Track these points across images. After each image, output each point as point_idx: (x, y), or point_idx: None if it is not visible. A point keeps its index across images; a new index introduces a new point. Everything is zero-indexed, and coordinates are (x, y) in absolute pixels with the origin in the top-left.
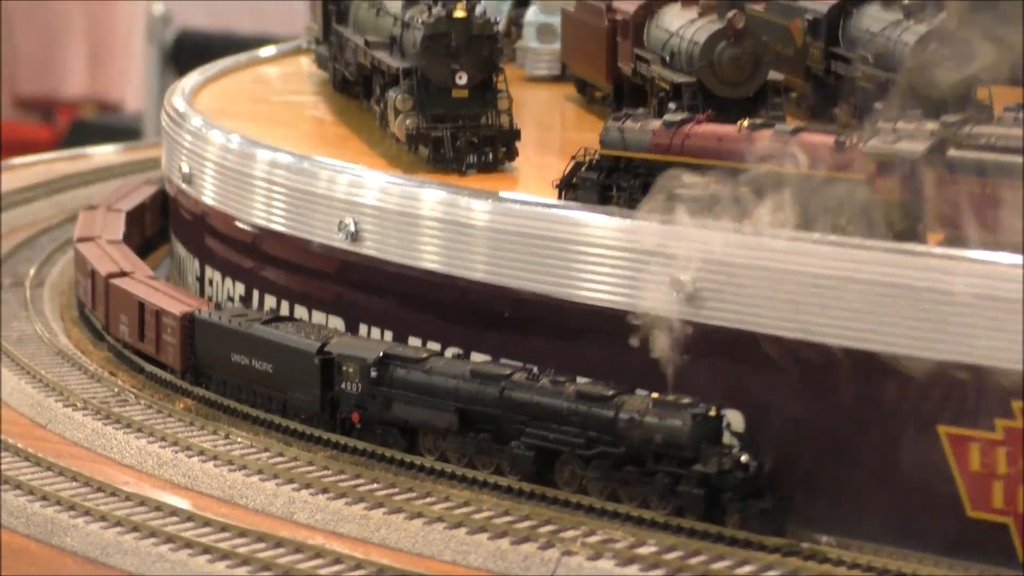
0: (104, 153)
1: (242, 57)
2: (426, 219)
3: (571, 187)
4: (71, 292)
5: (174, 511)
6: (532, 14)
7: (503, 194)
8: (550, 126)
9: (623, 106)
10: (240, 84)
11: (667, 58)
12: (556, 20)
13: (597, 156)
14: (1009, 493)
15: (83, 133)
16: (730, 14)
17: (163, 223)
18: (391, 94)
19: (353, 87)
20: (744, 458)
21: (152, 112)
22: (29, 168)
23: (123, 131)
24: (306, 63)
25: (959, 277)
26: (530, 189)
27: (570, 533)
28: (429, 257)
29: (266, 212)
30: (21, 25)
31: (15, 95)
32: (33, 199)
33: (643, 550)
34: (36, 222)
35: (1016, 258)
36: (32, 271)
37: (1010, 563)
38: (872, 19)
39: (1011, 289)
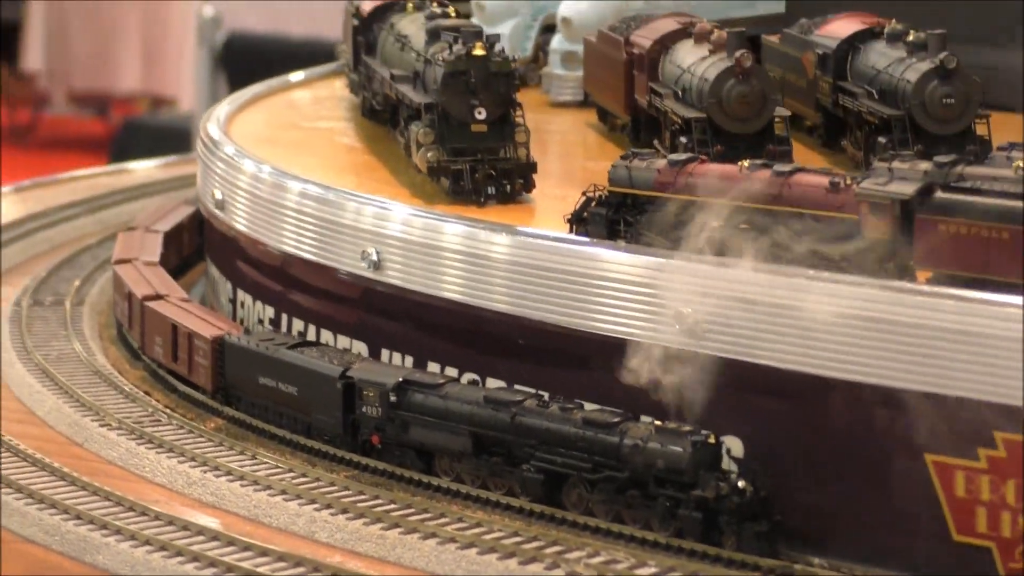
0: (146, 168)
1: (272, 82)
2: (446, 251)
3: (582, 221)
4: (109, 311)
5: (201, 530)
6: (557, 42)
7: (519, 228)
8: (571, 155)
9: (640, 136)
10: (273, 110)
11: (679, 93)
12: (580, 48)
13: (606, 192)
14: (992, 518)
15: (135, 132)
16: (738, 53)
17: (200, 242)
18: (413, 127)
19: (381, 114)
20: (741, 483)
21: (202, 114)
22: (73, 184)
23: (174, 131)
24: (339, 86)
25: (946, 314)
26: (546, 221)
27: (575, 554)
28: (448, 287)
29: (295, 239)
30: (76, 22)
31: (70, 90)
32: (76, 216)
33: (643, 571)
34: (78, 239)
35: (1001, 296)
36: (72, 290)
37: None
38: (878, 55)
39: (995, 326)
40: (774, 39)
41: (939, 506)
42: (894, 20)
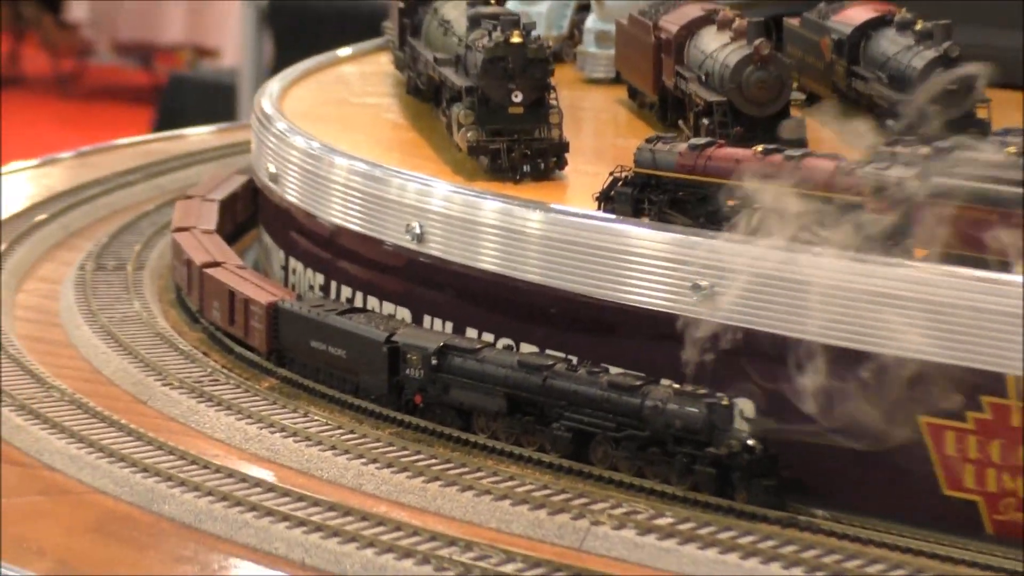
0: (200, 135)
1: (322, 58)
2: (484, 225)
3: (609, 200)
4: (168, 276)
5: (258, 482)
6: (591, 21)
7: (551, 205)
8: (602, 133)
9: (667, 115)
10: (323, 85)
11: (703, 77)
12: (613, 27)
13: (632, 173)
14: (979, 475)
15: (182, 87)
16: (757, 41)
17: (253, 210)
18: (455, 108)
19: (425, 93)
20: (751, 442)
21: (248, 72)
22: (129, 149)
23: (220, 86)
24: (384, 61)
25: (939, 289)
26: (577, 198)
27: (599, 506)
28: (486, 259)
29: (343, 212)
30: None
31: (114, 41)
32: (134, 183)
33: (661, 521)
34: (136, 204)
35: (990, 273)
36: (133, 254)
37: (979, 534)
38: (889, 42)
39: (984, 300)
40: (795, 22)
41: (931, 463)
42: (904, 9)
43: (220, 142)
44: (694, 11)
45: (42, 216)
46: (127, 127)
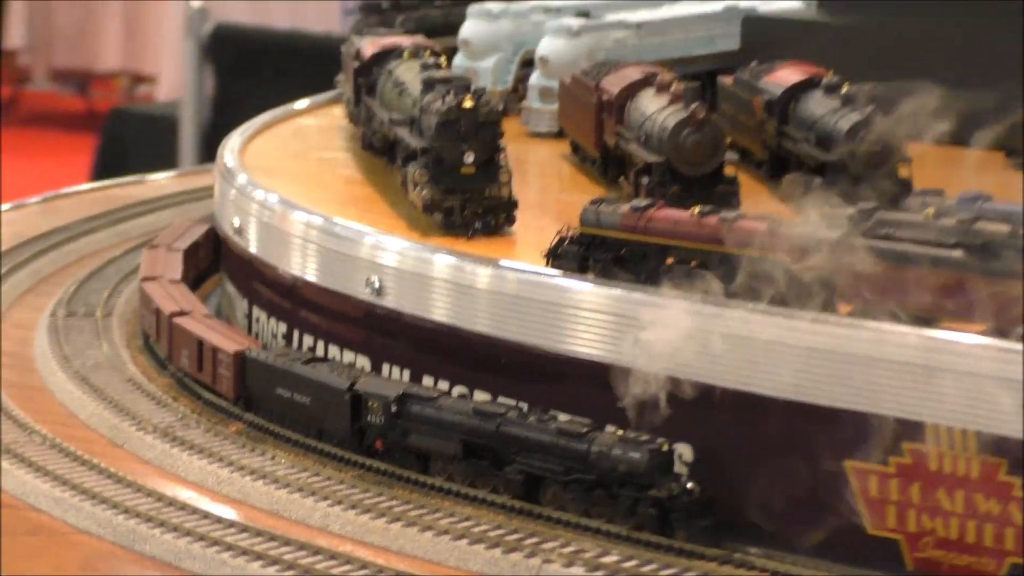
0: (159, 180)
1: (279, 111)
2: (438, 280)
3: (556, 257)
4: (135, 322)
5: (232, 523)
6: (535, 78)
7: (501, 262)
8: (547, 187)
9: (608, 171)
10: (282, 138)
11: (642, 137)
12: (556, 84)
13: (578, 232)
14: (900, 515)
15: (122, 120)
16: (693, 106)
17: (214, 257)
18: (410, 168)
19: (379, 149)
20: (690, 485)
21: (190, 106)
22: (91, 195)
23: (161, 119)
24: (338, 114)
25: (862, 343)
26: (525, 252)
27: (549, 544)
28: (440, 311)
29: (302, 264)
30: (57, 1)
31: (51, 67)
32: (97, 228)
33: (607, 559)
34: (101, 250)
35: (906, 328)
36: (101, 301)
37: (901, 571)
38: (816, 104)
39: (901, 353)
40: (728, 80)
41: (857, 504)
42: (831, 72)
43: (179, 187)
44: (634, 74)
45: (13, 263)
46: (65, 154)
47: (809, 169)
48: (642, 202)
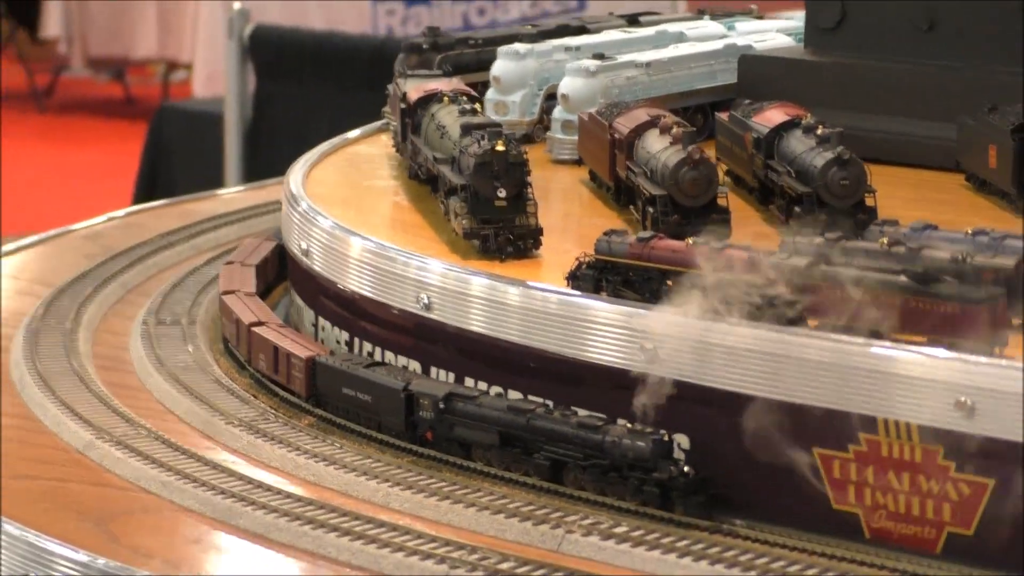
0: (230, 194)
1: (336, 140)
2: (476, 297)
3: (575, 279)
4: (215, 328)
5: (309, 501)
6: (557, 112)
7: (529, 283)
8: (569, 212)
9: (621, 198)
10: (336, 166)
11: (648, 172)
12: (575, 117)
13: (593, 258)
14: (858, 493)
15: (171, 117)
16: (690, 147)
17: (279, 270)
18: (452, 200)
19: (424, 181)
20: (687, 468)
21: (233, 107)
22: (167, 210)
23: (208, 117)
24: (386, 141)
25: (825, 352)
26: (549, 274)
27: (571, 518)
28: (478, 323)
29: (358, 282)
30: None
31: (87, 55)
32: (176, 243)
33: (618, 529)
34: (179, 263)
35: (863, 340)
36: (185, 311)
37: (859, 539)
38: (796, 142)
39: (858, 361)
40: (724, 116)
41: (823, 484)
42: (809, 115)
43: (246, 203)
44: (642, 115)
45: (104, 276)
46: (103, 140)
47: (790, 199)
48: (646, 234)
